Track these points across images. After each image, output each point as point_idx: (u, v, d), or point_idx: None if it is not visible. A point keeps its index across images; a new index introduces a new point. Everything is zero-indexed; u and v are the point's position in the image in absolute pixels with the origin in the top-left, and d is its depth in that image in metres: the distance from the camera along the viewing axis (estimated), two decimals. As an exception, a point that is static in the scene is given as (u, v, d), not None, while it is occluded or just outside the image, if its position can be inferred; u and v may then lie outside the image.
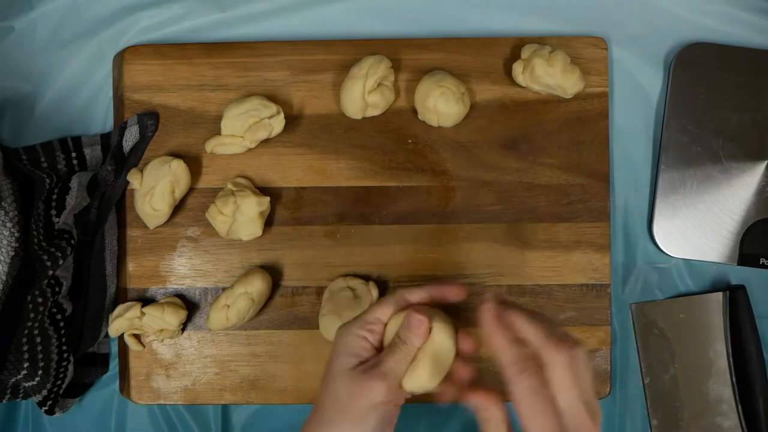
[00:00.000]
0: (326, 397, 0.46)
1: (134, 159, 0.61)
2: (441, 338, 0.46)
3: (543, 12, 0.64)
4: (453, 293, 0.49)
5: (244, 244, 0.61)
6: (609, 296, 0.62)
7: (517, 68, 0.60)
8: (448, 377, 0.47)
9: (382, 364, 0.45)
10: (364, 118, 0.61)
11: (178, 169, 0.59)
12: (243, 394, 0.62)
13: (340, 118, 0.62)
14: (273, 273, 0.61)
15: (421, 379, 0.46)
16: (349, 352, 0.46)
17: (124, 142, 0.61)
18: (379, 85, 0.59)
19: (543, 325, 0.43)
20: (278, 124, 0.59)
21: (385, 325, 0.48)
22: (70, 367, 0.59)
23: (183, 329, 0.62)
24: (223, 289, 0.60)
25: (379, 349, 0.47)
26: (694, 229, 0.62)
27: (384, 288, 0.62)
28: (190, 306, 0.61)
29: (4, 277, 0.54)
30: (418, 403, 0.62)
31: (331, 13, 0.64)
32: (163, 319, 0.58)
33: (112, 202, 0.61)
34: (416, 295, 0.48)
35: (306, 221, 0.62)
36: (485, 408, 0.44)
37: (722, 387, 0.62)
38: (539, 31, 0.63)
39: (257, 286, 0.59)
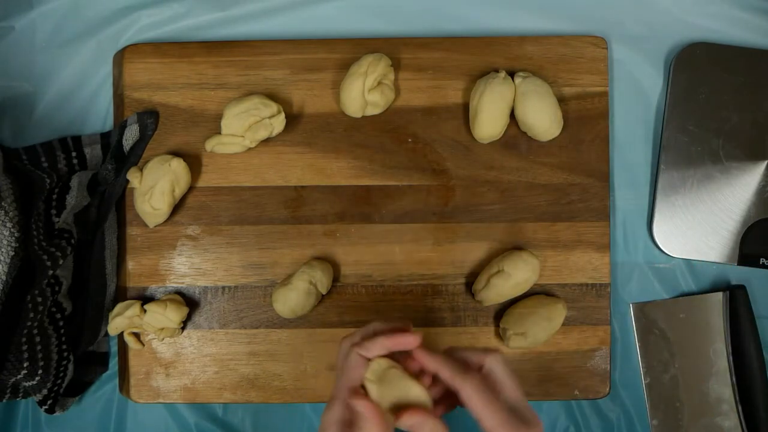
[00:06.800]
0: None
1: (134, 158, 0.61)
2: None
3: (543, 11, 0.64)
4: (408, 342, 0.46)
5: (244, 243, 0.61)
6: (609, 296, 0.62)
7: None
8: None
9: None
10: (364, 117, 0.61)
11: (178, 167, 0.59)
12: (242, 393, 0.62)
13: (340, 117, 0.62)
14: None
15: None
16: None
17: (124, 140, 0.61)
18: (379, 83, 0.59)
19: (450, 362, 0.45)
20: (279, 123, 0.59)
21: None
22: (70, 366, 0.58)
23: (183, 328, 0.62)
24: (222, 288, 0.60)
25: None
26: (694, 229, 0.62)
27: (382, 289, 0.62)
28: (189, 304, 0.61)
29: (4, 277, 0.54)
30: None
31: (331, 11, 0.64)
32: (165, 315, 0.58)
33: (112, 201, 0.61)
34: (372, 351, 0.46)
35: (306, 220, 0.62)
36: (422, 423, 0.44)
37: (722, 387, 0.62)
38: (539, 30, 0.63)
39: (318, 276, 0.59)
